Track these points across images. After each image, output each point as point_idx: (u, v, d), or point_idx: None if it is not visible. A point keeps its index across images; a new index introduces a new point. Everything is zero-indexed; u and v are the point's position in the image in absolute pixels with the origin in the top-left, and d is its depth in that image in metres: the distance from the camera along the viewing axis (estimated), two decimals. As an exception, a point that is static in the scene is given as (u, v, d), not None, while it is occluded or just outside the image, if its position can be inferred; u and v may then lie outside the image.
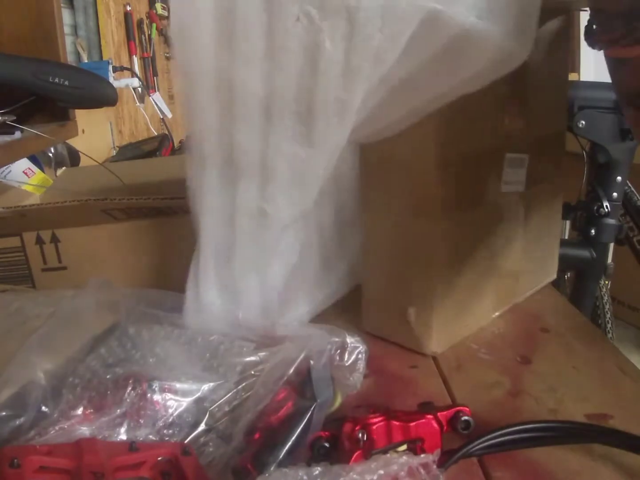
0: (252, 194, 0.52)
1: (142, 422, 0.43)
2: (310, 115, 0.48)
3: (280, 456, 0.41)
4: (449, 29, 0.42)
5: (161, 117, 2.88)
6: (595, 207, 1.30)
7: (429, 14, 0.41)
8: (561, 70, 0.70)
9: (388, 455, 0.38)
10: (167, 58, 3.49)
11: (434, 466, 0.38)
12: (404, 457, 0.37)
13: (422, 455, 0.38)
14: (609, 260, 1.37)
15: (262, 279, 0.57)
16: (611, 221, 1.31)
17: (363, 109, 0.48)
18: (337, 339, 0.50)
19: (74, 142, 1.16)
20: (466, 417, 0.44)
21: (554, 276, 0.77)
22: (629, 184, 1.53)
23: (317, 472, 0.35)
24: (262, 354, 0.50)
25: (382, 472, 0.35)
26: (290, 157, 0.50)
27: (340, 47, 0.44)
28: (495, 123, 0.61)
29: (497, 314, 0.67)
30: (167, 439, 0.44)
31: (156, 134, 2.76)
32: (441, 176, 0.55)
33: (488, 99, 0.58)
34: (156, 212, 0.70)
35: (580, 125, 1.22)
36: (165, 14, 3.37)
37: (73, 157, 1.62)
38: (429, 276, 0.58)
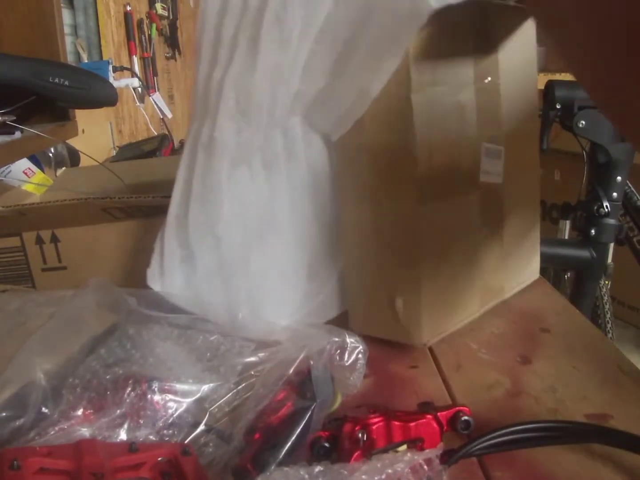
0: (208, 127, 0.57)
1: (142, 422, 0.43)
2: (257, 38, 0.53)
3: (280, 456, 0.41)
4: None
5: (161, 117, 2.88)
6: (595, 207, 1.31)
7: None
8: (529, 62, 0.71)
9: (390, 454, 0.38)
10: (167, 58, 3.49)
11: (437, 461, 0.38)
12: (408, 454, 0.37)
13: (427, 451, 0.38)
14: (609, 260, 1.38)
15: (215, 235, 0.58)
16: (611, 221, 1.32)
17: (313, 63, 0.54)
18: (337, 339, 0.50)
19: (74, 142, 1.16)
20: (466, 417, 0.44)
21: (537, 276, 0.78)
22: (629, 184, 1.53)
23: (318, 470, 0.35)
24: (262, 354, 0.50)
25: (390, 470, 0.35)
26: (237, 80, 0.55)
27: None
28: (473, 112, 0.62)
29: (484, 309, 0.67)
30: (167, 439, 0.44)
31: (156, 134, 2.76)
32: (419, 157, 0.55)
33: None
34: (156, 210, 0.70)
35: (580, 125, 1.22)
36: (165, 14, 3.37)
37: (73, 157, 1.62)
38: (414, 263, 0.57)
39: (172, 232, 0.59)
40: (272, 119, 0.57)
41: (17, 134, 0.81)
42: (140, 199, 0.69)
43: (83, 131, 1.17)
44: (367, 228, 0.59)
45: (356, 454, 0.40)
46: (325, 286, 0.64)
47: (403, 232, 0.57)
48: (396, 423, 0.42)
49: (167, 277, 0.59)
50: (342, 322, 0.62)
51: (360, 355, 0.51)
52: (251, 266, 0.59)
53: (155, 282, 0.59)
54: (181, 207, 0.59)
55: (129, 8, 2.93)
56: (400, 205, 0.57)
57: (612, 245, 1.36)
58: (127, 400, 0.44)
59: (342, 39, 0.54)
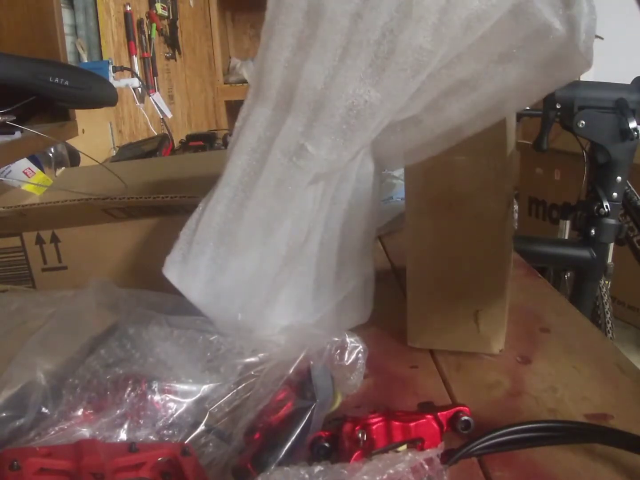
0: (296, 130, 0.51)
1: (142, 422, 0.43)
2: (387, 59, 0.47)
3: (280, 456, 0.41)
4: (534, 20, 0.45)
5: (161, 117, 2.87)
6: (595, 207, 1.30)
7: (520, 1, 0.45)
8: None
9: (390, 454, 0.38)
10: (167, 58, 3.49)
11: (438, 461, 0.38)
12: (409, 454, 0.37)
13: (428, 450, 0.39)
14: (609, 260, 1.38)
15: (267, 246, 0.55)
16: (611, 221, 1.32)
17: (420, 97, 0.50)
18: (336, 339, 0.51)
19: (74, 142, 1.16)
20: (466, 417, 0.44)
21: None
22: (629, 184, 1.53)
23: (318, 470, 0.35)
24: (262, 354, 0.50)
25: (391, 470, 0.35)
26: (351, 96, 0.49)
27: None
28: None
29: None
30: (167, 439, 0.44)
31: (156, 134, 2.76)
32: (508, 166, 0.55)
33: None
34: (157, 211, 0.70)
35: (580, 125, 1.22)
36: (165, 14, 3.37)
37: (73, 157, 1.61)
38: (500, 273, 0.57)
39: (212, 228, 0.55)
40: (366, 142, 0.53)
41: (17, 134, 0.81)
42: (140, 199, 0.69)
43: (83, 131, 1.17)
44: (441, 241, 0.58)
45: (356, 454, 0.40)
46: (326, 306, 0.62)
47: (491, 240, 0.56)
48: (396, 423, 0.42)
49: (190, 266, 0.55)
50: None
51: (360, 355, 0.51)
52: (277, 278, 0.57)
53: (173, 268, 0.56)
54: (231, 207, 0.54)
55: (129, 8, 2.93)
56: (492, 212, 0.56)
57: (612, 245, 1.36)
58: (127, 401, 0.44)
59: (459, 78, 0.50)
